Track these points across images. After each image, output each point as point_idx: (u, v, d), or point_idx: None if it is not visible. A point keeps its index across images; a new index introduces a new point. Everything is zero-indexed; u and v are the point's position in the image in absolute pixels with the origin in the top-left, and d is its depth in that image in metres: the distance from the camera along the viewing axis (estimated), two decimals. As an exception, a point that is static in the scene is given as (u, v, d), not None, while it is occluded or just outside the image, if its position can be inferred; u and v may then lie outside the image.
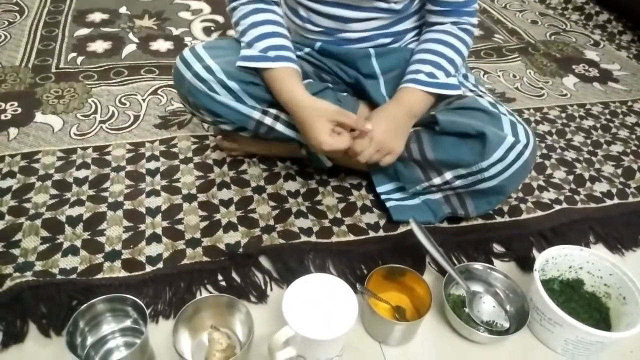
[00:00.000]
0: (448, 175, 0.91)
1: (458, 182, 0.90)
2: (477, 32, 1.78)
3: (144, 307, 0.68)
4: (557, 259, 0.87)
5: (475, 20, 0.98)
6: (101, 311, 0.70)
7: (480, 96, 0.95)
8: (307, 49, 1.02)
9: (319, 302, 0.75)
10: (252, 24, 0.91)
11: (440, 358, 0.79)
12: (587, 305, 0.86)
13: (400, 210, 0.98)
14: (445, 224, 1.00)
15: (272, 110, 0.95)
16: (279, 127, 0.97)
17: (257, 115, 0.94)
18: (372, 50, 0.99)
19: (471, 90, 0.98)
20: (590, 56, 1.72)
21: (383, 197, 1.00)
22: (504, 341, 0.81)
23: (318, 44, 1.00)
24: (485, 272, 0.86)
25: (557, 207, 1.07)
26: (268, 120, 0.96)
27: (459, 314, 0.81)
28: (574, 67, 1.64)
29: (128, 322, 0.72)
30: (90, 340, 0.70)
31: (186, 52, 0.92)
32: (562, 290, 0.87)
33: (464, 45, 0.96)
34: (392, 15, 0.96)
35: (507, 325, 0.81)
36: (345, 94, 1.05)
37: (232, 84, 0.89)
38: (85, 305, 0.68)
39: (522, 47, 1.74)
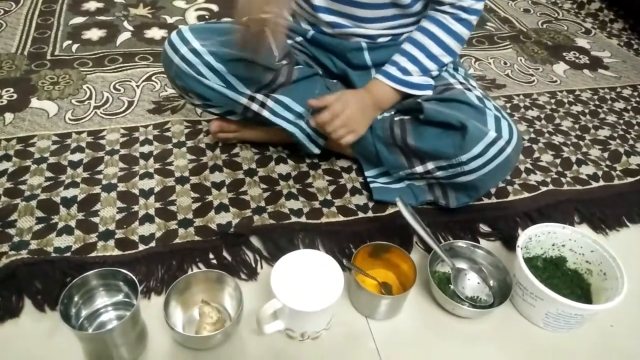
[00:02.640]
0: (430, 165, 0.93)
1: (439, 173, 0.92)
2: (475, 23, 1.80)
3: (135, 279, 0.70)
4: (541, 237, 0.89)
5: (479, 5, 0.92)
6: (94, 285, 0.72)
7: (469, 89, 0.95)
8: (299, 38, 1.03)
9: (306, 277, 0.78)
10: None
11: (425, 331, 0.82)
12: (569, 281, 0.88)
13: (383, 191, 1.01)
14: (432, 205, 1.02)
15: (259, 97, 0.97)
16: (265, 113, 0.98)
17: (244, 101, 0.96)
18: (364, 44, 1.00)
19: (461, 83, 0.98)
20: (581, 44, 1.74)
21: (369, 179, 1.02)
22: (487, 315, 0.83)
23: (311, 33, 1.01)
24: (469, 249, 0.88)
25: (544, 188, 1.09)
26: (255, 107, 0.97)
27: (444, 290, 0.83)
28: (564, 54, 1.66)
29: (120, 297, 0.74)
30: (84, 312, 0.72)
31: (173, 36, 0.92)
32: (545, 267, 0.90)
33: (455, 39, 0.93)
34: (400, 10, 0.95)
35: (490, 300, 0.83)
36: (335, 80, 1.07)
37: (219, 67, 0.90)
38: (78, 278, 0.70)
39: (514, 35, 1.75)
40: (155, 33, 1.55)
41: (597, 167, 1.18)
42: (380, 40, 0.99)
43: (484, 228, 1.00)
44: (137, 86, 1.30)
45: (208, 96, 0.94)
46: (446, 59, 0.95)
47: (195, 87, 0.93)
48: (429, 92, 0.96)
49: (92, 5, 1.67)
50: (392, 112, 0.98)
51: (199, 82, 0.92)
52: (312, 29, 1.01)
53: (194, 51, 0.90)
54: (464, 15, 0.91)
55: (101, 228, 0.91)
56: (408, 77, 0.94)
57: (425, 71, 0.95)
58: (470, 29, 0.94)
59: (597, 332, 0.84)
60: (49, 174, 1.01)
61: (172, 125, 1.17)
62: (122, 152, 1.08)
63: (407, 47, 0.95)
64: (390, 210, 1.01)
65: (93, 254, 0.86)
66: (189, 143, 1.12)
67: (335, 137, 0.92)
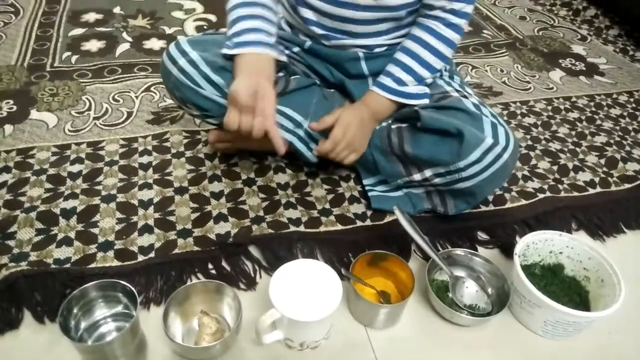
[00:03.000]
0: (427, 173, 0.93)
1: (437, 180, 0.93)
2: (466, 28, 1.81)
3: (134, 291, 0.70)
4: (538, 244, 0.89)
5: (469, 8, 0.93)
6: (94, 296, 0.73)
7: (465, 97, 0.96)
8: (296, 48, 1.04)
9: (305, 286, 0.78)
10: (233, 6, 0.91)
11: (424, 339, 0.82)
12: (567, 288, 0.88)
13: (381, 199, 1.01)
14: (430, 213, 1.03)
15: None
16: None
17: None
18: (361, 54, 1.00)
19: (457, 91, 0.99)
20: (577, 50, 1.75)
21: (367, 188, 1.03)
22: (485, 323, 0.83)
23: (308, 44, 1.02)
24: (467, 257, 0.89)
25: (541, 195, 1.10)
26: None
27: (442, 298, 0.83)
28: (560, 61, 1.67)
29: (119, 308, 0.75)
30: (83, 324, 0.72)
31: (171, 47, 0.93)
32: (543, 274, 0.90)
33: (447, 45, 0.94)
34: (395, 23, 0.96)
35: (489, 308, 0.84)
36: (332, 90, 1.08)
37: (216, 78, 0.91)
38: (77, 290, 0.70)
39: (510, 42, 1.77)
40: (154, 44, 1.56)
41: (594, 174, 1.19)
42: (377, 50, 1.00)
43: (481, 236, 1.00)
44: (136, 97, 1.30)
45: (206, 107, 0.95)
46: (439, 65, 0.96)
47: (193, 98, 0.93)
48: (425, 101, 0.96)
49: (91, 17, 1.69)
50: (390, 121, 0.99)
51: (197, 93, 0.92)
52: (309, 40, 1.02)
53: (192, 62, 0.91)
54: (454, 20, 0.92)
55: (100, 239, 0.92)
56: (403, 87, 0.95)
57: (420, 80, 0.95)
58: (461, 34, 0.95)
59: (595, 339, 0.84)
60: (48, 186, 1.02)
61: (171, 136, 1.18)
62: (122, 162, 1.09)
63: (400, 56, 0.96)
64: (388, 219, 1.01)
65: (92, 265, 0.87)
66: (188, 153, 1.13)
67: (338, 160, 0.93)
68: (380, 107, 0.96)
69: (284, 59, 0.95)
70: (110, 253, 0.89)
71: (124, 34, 1.60)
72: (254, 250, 0.93)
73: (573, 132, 1.33)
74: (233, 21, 0.91)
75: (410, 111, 0.94)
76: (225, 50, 0.90)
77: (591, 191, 1.14)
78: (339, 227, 0.99)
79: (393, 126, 0.97)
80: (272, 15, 0.94)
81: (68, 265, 0.86)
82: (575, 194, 1.12)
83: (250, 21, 0.90)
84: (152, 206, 0.99)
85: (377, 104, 0.96)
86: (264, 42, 0.89)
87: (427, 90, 0.97)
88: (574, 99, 1.47)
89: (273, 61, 0.90)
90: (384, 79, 0.96)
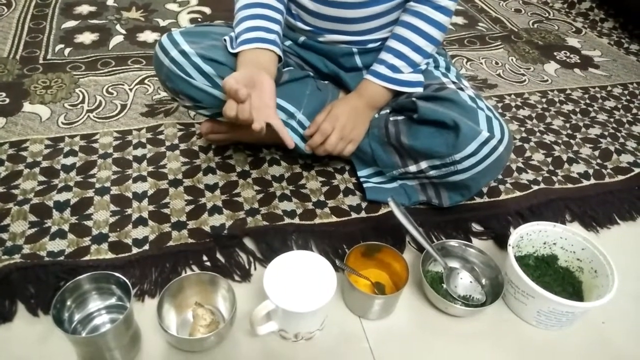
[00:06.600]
0: (423, 165, 0.93)
1: (432, 172, 0.93)
2: (460, 20, 1.81)
3: (128, 282, 0.70)
4: (532, 235, 0.89)
5: None
6: (87, 289, 0.72)
7: (461, 89, 0.96)
8: (289, 42, 1.04)
9: (299, 278, 0.78)
10: (238, 9, 0.94)
11: (418, 330, 0.82)
12: (561, 279, 0.89)
13: (376, 190, 1.01)
14: (425, 205, 1.03)
15: None
16: None
17: None
18: (355, 49, 1.01)
19: (453, 83, 0.99)
20: (572, 43, 1.76)
21: (362, 179, 1.03)
22: (479, 313, 0.84)
23: (302, 39, 1.02)
24: (461, 248, 0.89)
25: (535, 187, 1.10)
26: None
27: (436, 289, 0.84)
28: (555, 54, 1.67)
29: (113, 300, 0.75)
30: (77, 316, 0.72)
31: (164, 38, 0.93)
32: (537, 265, 0.90)
33: (437, 28, 0.94)
34: (385, 18, 0.97)
35: (483, 299, 0.84)
36: (326, 82, 1.08)
37: (208, 69, 0.90)
38: (71, 282, 0.70)
39: (505, 35, 1.77)
40: (148, 36, 1.55)
41: (588, 166, 1.19)
42: (371, 45, 1.00)
43: (476, 227, 1.00)
44: (130, 89, 1.30)
45: (198, 97, 0.95)
46: (430, 48, 0.96)
47: (185, 88, 0.93)
48: (420, 90, 0.97)
49: (84, 9, 1.67)
50: (388, 111, 0.99)
51: (188, 84, 0.92)
52: (303, 36, 1.02)
53: (183, 53, 0.90)
54: (442, 2, 0.93)
55: (94, 231, 0.91)
56: (398, 74, 0.95)
57: (413, 65, 0.96)
58: (449, 16, 0.95)
59: (588, 329, 0.85)
60: (41, 178, 1.01)
61: (165, 128, 1.17)
62: (115, 155, 1.09)
63: (392, 43, 0.96)
64: (383, 211, 1.01)
65: (86, 258, 0.86)
66: (182, 146, 1.13)
67: (335, 154, 0.94)
68: (375, 95, 0.97)
69: (281, 54, 0.96)
70: (104, 245, 0.89)
71: (118, 27, 1.59)
72: (248, 242, 0.93)
73: (567, 125, 1.33)
74: (237, 24, 0.93)
75: (407, 102, 0.95)
76: (228, 47, 0.91)
77: (585, 183, 1.14)
78: (334, 219, 0.99)
79: (391, 118, 0.97)
80: (275, 13, 0.94)
81: (62, 258, 0.86)
82: (569, 185, 1.13)
83: (251, 21, 0.91)
84: (147, 199, 0.99)
85: (372, 92, 0.97)
86: (262, 38, 0.90)
87: (421, 78, 0.97)
88: (568, 92, 1.47)
89: (273, 56, 0.90)
90: (378, 67, 0.96)
